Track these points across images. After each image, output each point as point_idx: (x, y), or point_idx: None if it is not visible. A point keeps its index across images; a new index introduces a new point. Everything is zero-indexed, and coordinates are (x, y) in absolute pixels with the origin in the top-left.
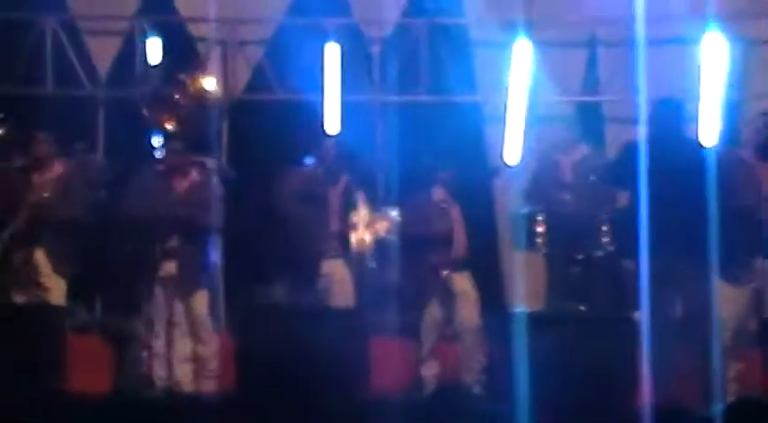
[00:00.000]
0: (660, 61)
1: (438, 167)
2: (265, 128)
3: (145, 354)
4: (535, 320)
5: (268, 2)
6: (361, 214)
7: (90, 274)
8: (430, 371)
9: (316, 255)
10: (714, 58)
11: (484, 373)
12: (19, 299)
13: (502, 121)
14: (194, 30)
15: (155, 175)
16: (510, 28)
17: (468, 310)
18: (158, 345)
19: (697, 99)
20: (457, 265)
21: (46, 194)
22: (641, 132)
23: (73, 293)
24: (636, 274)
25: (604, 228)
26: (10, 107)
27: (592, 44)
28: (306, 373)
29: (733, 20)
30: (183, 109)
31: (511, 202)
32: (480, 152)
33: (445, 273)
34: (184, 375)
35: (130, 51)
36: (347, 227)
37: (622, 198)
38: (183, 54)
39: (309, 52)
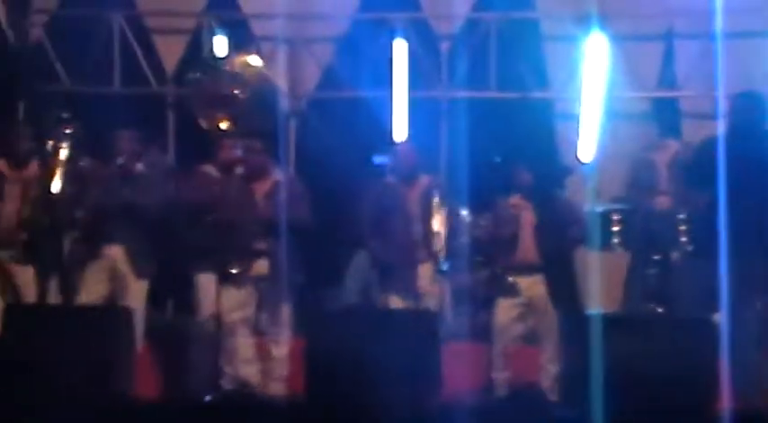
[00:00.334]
0: (740, 54)
1: (510, 167)
2: (336, 126)
3: (214, 355)
4: (611, 322)
5: None
6: (437, 215)
7: (165, 274)
8: (501, 375)
9: (411, 262)
10: None
11: (558, 377)
12: (90, 300)
13: (575, 117)
14: (261, 27)
15: (237, 175)
16: (583, 21)
17: (541, 312)
18: (231, 346)
19: None
20: (528, 268)
21: (127, 192)
22: (720, 128)
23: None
24: (715, 275)
25: (683, 227)
26: (78, 106)
27: (668, 37)
28: (376, 376)
29: None
30: (239, 101)
31: (585, 200)
32: (552, 150)
33: (514, 276)
34: (254, 377)
35: (198, 49)
36: (428, 229)
37: (701, 196)
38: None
39: (379, 49)
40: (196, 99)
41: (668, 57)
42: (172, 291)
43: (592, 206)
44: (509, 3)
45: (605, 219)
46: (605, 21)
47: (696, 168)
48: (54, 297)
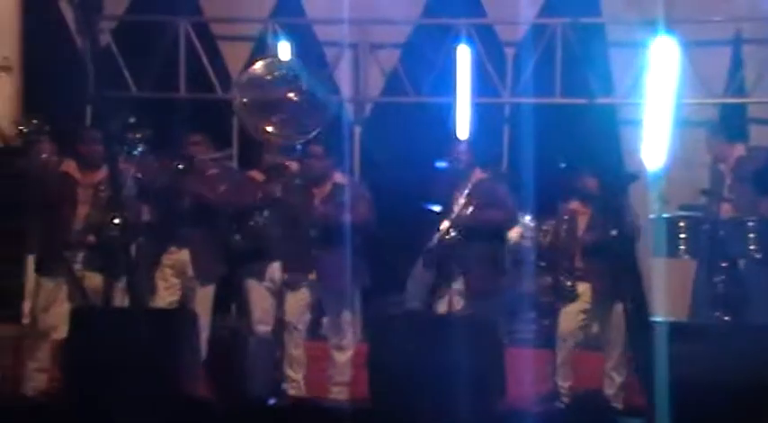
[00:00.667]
0: None
1: (574, 173)
2: (400, 132)
3: (278, 359)
4: (678, 331)
5: (400, 4)
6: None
7: (229, 278)
8: (565, 382)
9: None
10: None
11: (623, 385)
12: (161, 303)
13: (640, 123)
14: (325, 33)
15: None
16: (648, 26)
17: (604, 319)
18: (292, 350)
19: None
20: (587, 274)
21: (203, 196)
22: None
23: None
24: None
25: (751, 235)
26: (145, 111)
27: (737, 43)
28: (439, 382)
29: None
30: (292, 104)
31: (651, 207)
32: (617, 156)
33: (573, 281)
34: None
35: (263, 55)
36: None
37: None
38: (313, 58)
39: (443, 55)
40: (248, 104)
41: (736, 62)
42: (235, 296)
43: (658, 213)
44: (575, 8)
45: (672, 225)
46: (672, 26)
47: (764, 175)
48: (121, 300)
